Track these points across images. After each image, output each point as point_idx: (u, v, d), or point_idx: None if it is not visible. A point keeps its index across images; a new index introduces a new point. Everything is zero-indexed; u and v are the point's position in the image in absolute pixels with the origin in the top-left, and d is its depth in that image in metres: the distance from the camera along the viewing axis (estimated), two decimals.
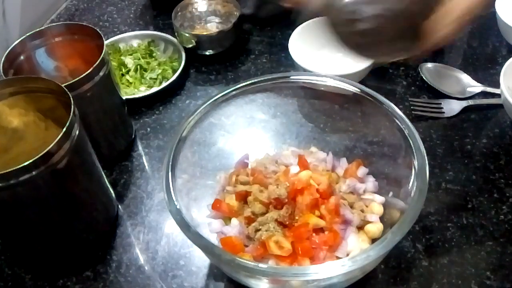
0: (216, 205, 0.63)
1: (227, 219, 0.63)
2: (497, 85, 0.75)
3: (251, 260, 0.55)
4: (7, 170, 0.52)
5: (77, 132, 0.57)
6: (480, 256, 0.63)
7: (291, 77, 0.68)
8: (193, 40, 0.88)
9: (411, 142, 0.59)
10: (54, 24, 0.74)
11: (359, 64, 0.79)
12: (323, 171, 0.66)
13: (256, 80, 0.66)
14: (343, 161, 0.69)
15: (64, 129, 0.55)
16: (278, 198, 0.60)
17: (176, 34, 0.91)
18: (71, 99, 0.57)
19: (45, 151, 0.53)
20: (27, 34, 0.71)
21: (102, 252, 0.67)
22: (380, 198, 0.64)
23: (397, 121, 0.61)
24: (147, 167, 0.77)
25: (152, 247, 0.67)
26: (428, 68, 0.84)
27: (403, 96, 0.82)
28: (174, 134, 0.62)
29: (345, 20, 0.52)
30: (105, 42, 0.69)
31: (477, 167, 0.71)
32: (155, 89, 0.85)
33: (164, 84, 0.85)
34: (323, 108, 0.70)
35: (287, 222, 0.59)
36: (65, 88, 0.59)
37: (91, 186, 0.64)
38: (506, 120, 0.76)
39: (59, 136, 0.54)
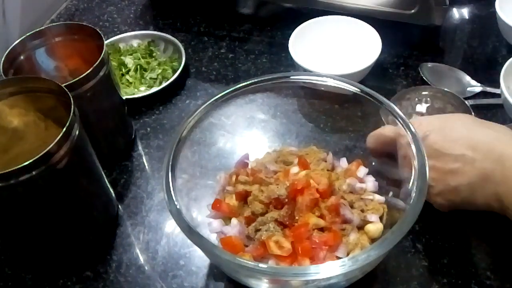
0: (216, 205, 0.63)
1: (227, 219, 0.63)
2: (497, 85, 0.75)
3: (251, 260, 0.55)
4: (7, 170, 0.52)
5: (77, 132, 0.57)
6: (480, 256, 0.63)
7: (291, 77, 0.68)
8: None
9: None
10: (54, 24, 0.74)
11: (359, 64, 0.79)
12: (323, 171, 0.66)
13: (256, 80, 0.66)
14: (343, 161, 0.69)
15: (64, 129, 0.55)
16: (278, 198, 0.60)
17: None
18: (71, 99, 0.57)
19: (45, 151, 0.53)
20: (27, 34, 0.71)
21: (102, 252, 0.67)
22: (380, 198, 0.64)
23: (397, 121, 0.61)
24: (147, 167, 0.77)
25: (152, 247, 0.67)
26: (428, 68, 0.84)
27: None
28: (174, 134, 0.62)
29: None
30: (105, 42, 0.69)
31: None
32: (155, 89, 0.85)
33: (164, 84, 0.85)
34: (323, 108, 0.70)
35: (287, 222, 0.59)
36: (65, 88, 0.59)
37: (91, 186, 0.64)
38: (506, 120, 0.76)
39: (59, 136, 0.54)
